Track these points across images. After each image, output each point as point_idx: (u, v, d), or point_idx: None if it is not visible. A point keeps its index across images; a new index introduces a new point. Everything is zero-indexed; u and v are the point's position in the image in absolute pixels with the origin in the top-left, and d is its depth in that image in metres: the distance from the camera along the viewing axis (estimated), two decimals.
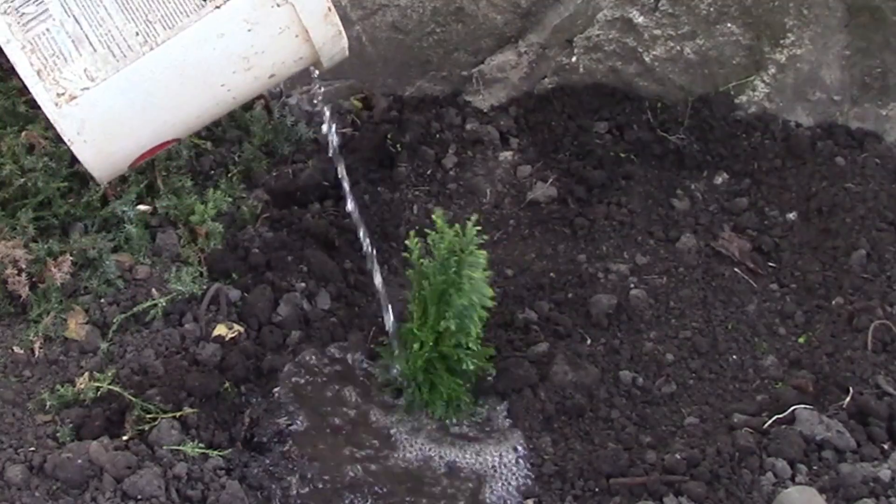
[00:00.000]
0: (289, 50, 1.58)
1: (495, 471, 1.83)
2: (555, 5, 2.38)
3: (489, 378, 1.98)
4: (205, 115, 1.69)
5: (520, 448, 1.85)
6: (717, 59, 2.37)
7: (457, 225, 1.78)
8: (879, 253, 2.11)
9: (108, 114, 1.55)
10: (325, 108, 2.05)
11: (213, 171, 2.25)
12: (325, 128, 2.05)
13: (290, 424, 1.88)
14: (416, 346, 1.87)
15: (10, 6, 1.53)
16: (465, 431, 1.91)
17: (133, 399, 1.77)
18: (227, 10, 1.53)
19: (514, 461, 1.83)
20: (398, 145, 2.40)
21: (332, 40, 1.57)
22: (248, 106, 2.40)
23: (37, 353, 1.86)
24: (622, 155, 2.38)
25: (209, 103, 1.63)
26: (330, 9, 1.54)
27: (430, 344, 1.85)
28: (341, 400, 1.96)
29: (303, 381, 1.98)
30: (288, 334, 2.02)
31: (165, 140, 1.67)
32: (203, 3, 1.54)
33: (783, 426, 1.79)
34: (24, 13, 1.52)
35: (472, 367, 1.86)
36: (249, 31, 1.54)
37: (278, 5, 1.52)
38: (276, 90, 2.48)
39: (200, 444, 1.73)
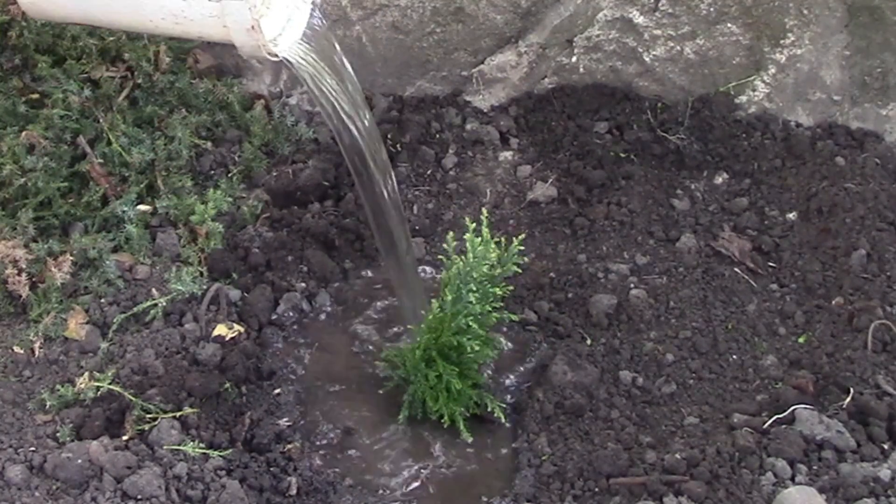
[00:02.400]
0: (215, 31, 1.67)
1: None
2: (555, 5, 2.37)
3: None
4: (132, 30, 1.90)
5: None
6: (717, 59, 2.37)
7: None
8: (879, 253, 2.11)
9: None
10: None
11: (213, 171, 2.25)
12: None
13: (291, 425, 1.88)
14: (419, 338, 1.88)
15: None
16: None
17: (133, 399, 1.77)
18: None
19: None
20: (398, 145, 2.40)
21: (252, 48, 1.65)
22: (248, 106, 2.40)
23: (37, 353, 1.85)
24: (622, 155, 2.38)
25: (136, 25, 1.79)
26: (254, 27, 1.60)
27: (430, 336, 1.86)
28: (342, 397, 1.97)
29: (304, 380, 1.98)
30: (288, 334, 2.02)
31: (96, 26, 1.86)
32: None
33: (783, 426, 1.79)
34: None
35: (477, 349, 1.85)
36: (185, 0, 1.62)
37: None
38: (276, 90, 2.48)
39: (201, 445, 1.73)
